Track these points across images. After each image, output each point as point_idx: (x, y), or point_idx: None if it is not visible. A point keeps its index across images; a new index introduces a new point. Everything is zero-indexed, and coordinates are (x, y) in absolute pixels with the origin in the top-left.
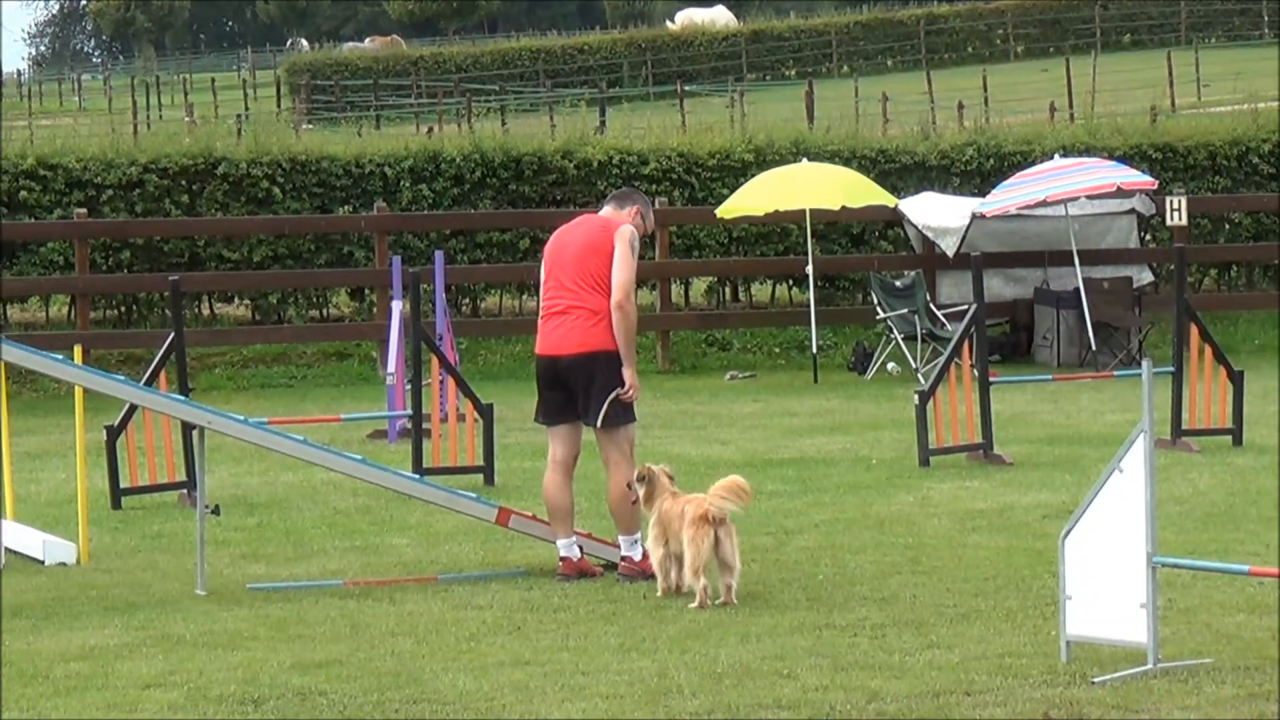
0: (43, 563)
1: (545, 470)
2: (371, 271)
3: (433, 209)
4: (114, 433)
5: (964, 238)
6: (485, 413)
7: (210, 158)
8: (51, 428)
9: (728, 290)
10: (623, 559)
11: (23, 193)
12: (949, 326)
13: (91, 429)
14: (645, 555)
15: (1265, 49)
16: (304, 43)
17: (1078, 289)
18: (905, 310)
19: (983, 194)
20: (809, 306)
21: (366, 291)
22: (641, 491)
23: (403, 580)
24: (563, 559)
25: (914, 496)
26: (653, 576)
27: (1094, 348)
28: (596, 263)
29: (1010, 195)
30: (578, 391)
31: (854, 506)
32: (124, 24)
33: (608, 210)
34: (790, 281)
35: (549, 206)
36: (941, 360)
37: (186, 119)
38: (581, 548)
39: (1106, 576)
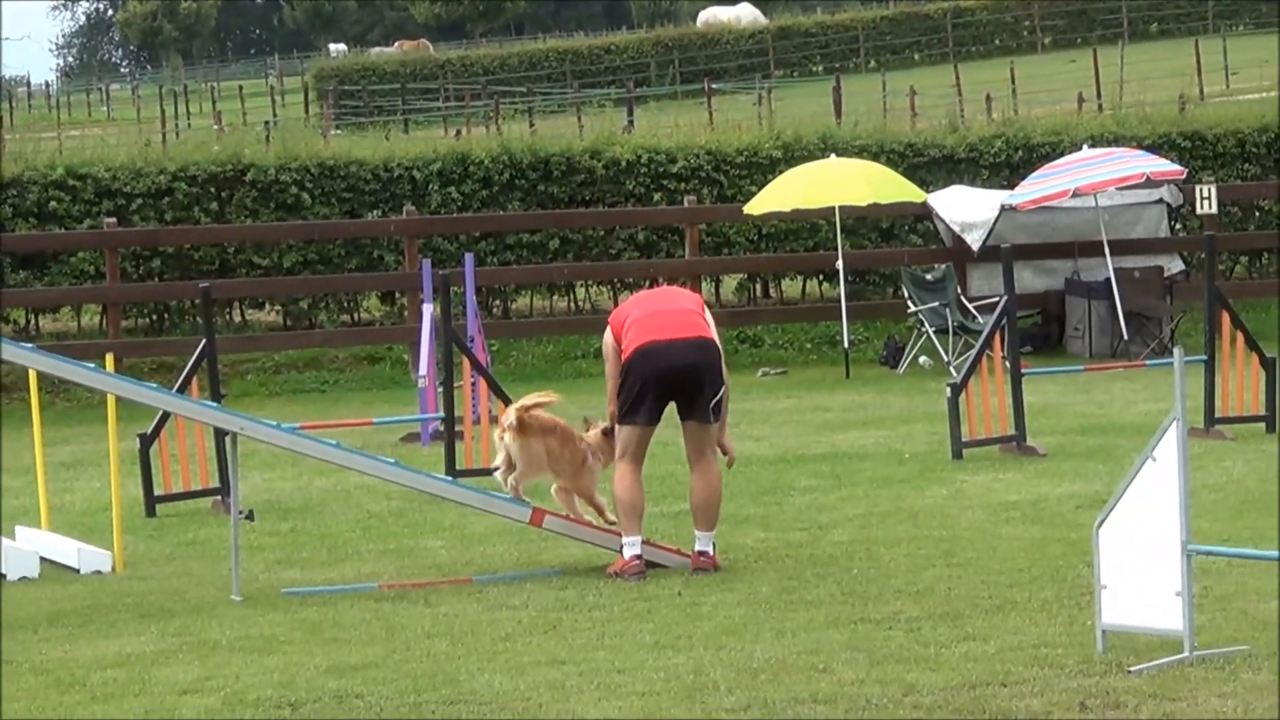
0: (79, 571)
1: (618, 470)
2: (402, 275)
3: (462, 211)
4: (147, 440)
5: (991, 231)
6: None
7: (239, 165)
8: (85, 437)
9: (758, 287)
10: (700, 553)
11: (52, 203)
12: (980, 319)
13: (124, 437)
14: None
15: None
16: (342, 46)
17: (1109, 279)
18: (936, 304)
19: (1012, 186)
20: (840, 301)
21: (397, 295)
22: None
23: (437, 582)
24: (636, 556)
25: (947, 489)
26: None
27: (1126, 337)
28: (696, 305)
29: (1039, 187)
30: (691, 385)
31: (888, 500)
32: (151, 33)
33: None
34: (821, 277)
35: (578, 206)
36: (973, 353)
37: (215, 127)
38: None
39: (1141, 565)
